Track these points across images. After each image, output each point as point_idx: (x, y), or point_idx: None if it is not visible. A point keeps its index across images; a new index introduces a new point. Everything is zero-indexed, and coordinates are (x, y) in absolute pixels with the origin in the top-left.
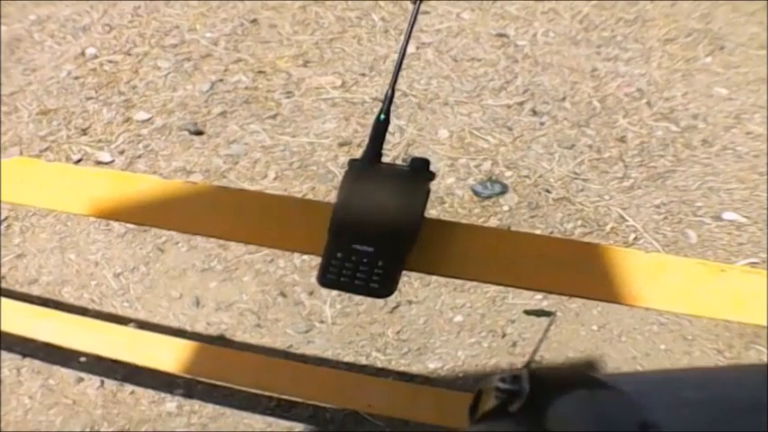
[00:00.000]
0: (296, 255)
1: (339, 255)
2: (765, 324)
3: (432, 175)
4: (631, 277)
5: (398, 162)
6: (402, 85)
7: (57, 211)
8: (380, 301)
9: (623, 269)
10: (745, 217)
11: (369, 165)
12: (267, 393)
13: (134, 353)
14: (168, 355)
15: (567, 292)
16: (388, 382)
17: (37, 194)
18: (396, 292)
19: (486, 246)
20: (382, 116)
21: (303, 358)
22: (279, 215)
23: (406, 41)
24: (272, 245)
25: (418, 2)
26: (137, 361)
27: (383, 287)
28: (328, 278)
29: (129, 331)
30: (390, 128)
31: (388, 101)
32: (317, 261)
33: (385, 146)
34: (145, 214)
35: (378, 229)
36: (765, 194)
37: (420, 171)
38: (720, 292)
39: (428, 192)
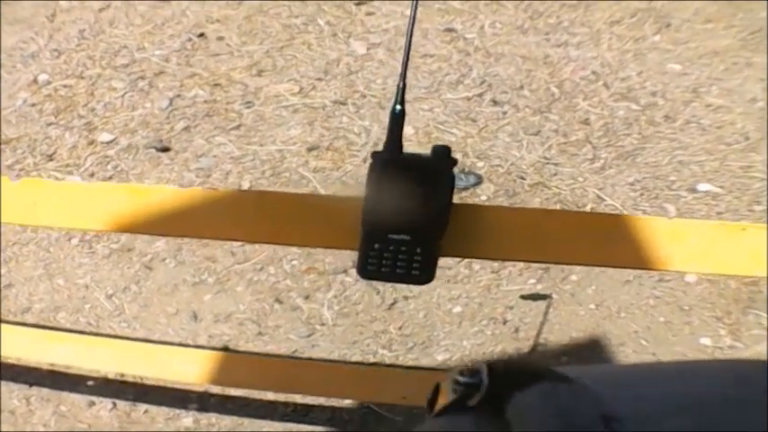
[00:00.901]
0: (285, 261)
1: (376, 246)
2: None
3: (455, 161)
4: (657, 243)
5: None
6: (359, 86)
7: (76, 229)
8: (377, 299)
9: (648, 236)
10: (719, 187)
11: (392, 155)
12: (285, 398)
13: (149, 367)
14: (183, 366)
15: (600, 263)
16: (420, 372)
17: (51, 215)
18: (392, 289)
19: (516, 225)
20: (398, 107)
21: (310, 362)
22: (307, 214)
23: (411, 30)
24: (304, 244)
25: None
26: (152, 375)
27: (424, 273)
28: (369, 270)
29: (139, 346)
30: (355, 129)
31: (401, 91)
32: (307, 265)
33: (352, 147)
34: (168, 224)
35: (411, 217)
36: (735, 164)
37: (442, 157)
38: (743, 251)
39: (453, 176)
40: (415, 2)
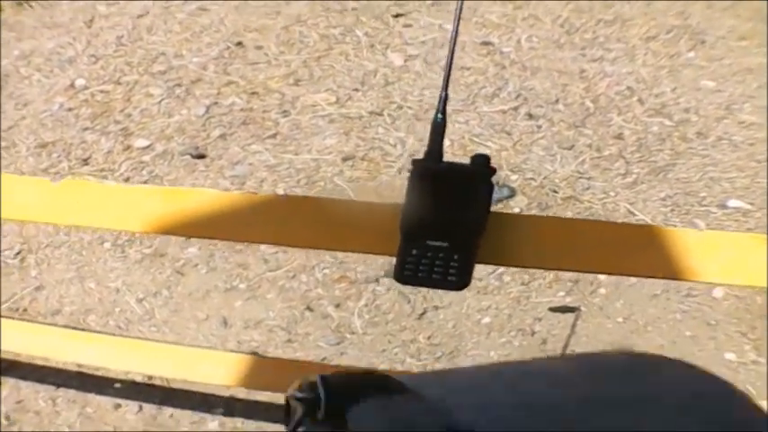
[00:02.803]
0: (317, 269)
1: (414, 252)
2: None
3: (493, 170)
4: (689, 254)
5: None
6: (396, 97)
7: (114, 230)
8: (407, 308)
9: (680, 247)
10: (749, 204)
11: (432, 163)
12: None
13: (177, 369)
14: (211, 369)
15: (632, 272)
16: None
17: (92, 215)
18: (422, 299)
19: (551, 234)
20: (440, 116)
21: (337, 367)
22: (346, 219)
23: (454, 39)
24: (343, 248)
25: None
26: (181, 376)
27: (461, 279)
28: (406, 275)
29: (167, 348)
30: (391, 140)
31: (443, 101)
32: (339, 274)
33: (387, 158)
34: (204, 227)
35: (449, 224)
36: (765, 181)
37: (481, 166)
38: None
39: (491, 185)
40: (458, 10)
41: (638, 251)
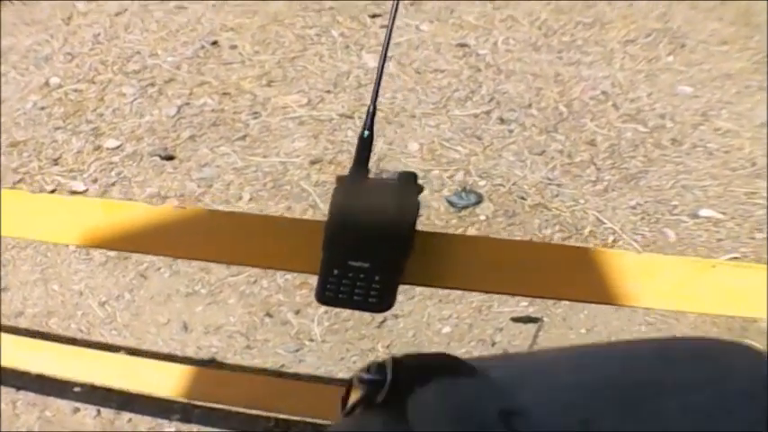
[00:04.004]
0: (279, 275)
1: (336, 272)
2: (764, 316)
3: (420, 188)
4: (625, 278)
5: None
6: (367, 99)
7: (52, 242)
8: (367, 317)
9: (617, 271)
10: (721, 213)
11: (357, 180)
12: (267, 413)
13: (131, 380)
14: (165, 381)
15: (565, 296)
16: None
17: (31, 227)
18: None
19: (480, 255)
20: (366, 132)
21: (296, 377)
22: (271, 235)
23: (384, 55)
24: (267, 265)
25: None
26: (135, 388)
27: (382, 301)
28: (327, 296)
29: (124, 359)
30: None
31: (371, 116)
32: (300, 280)
33: (342, 174)
34: (139, 241)
35: (372, 244)
36: (740, 190)
37: (409, 184)
38: (713, 288)
39: (418, 204)
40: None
41: (574, 274)
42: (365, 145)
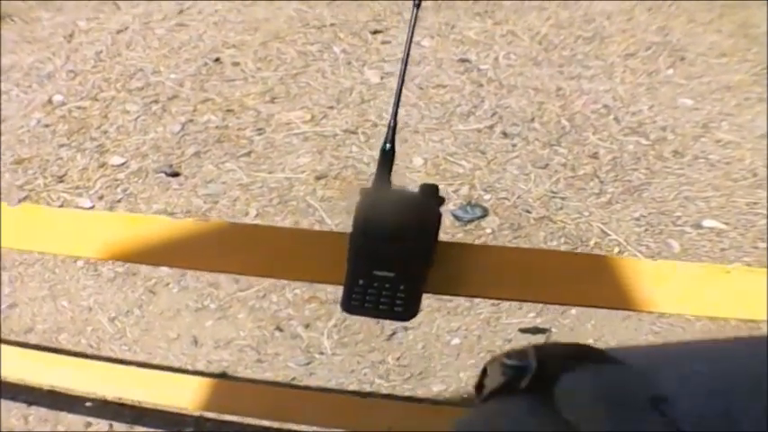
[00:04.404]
0: (288, 289)
1: (361, 282)
2: None
3: (442, 200)
4: (641, 284)
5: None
6: (371, 115)
7: (70, 256)
8: (377, 330)
9: (631, 277)
10: (724, 223)
11: (380, 192)
12: (280, 426)
13: (143, 391)
14: (178, 392)
15: (581, 302)
16: (405, 404)
17: (48, 241)
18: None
19: (498, 263)
20: (388, 145)
21: (307, 390)
22: (294, 247)
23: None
24: (291, 277)
25: (416, 8)
26: (147, 399)
27: (407, 310)
28: (353, 305)
29: (136, 371)
30: (365, 158)
31: (392, 130)
32: (309, 294)
33: (360, 177)
34: (159, 254)
35: (396, 254)
36: (741, 200)
37: (430, 195)
38: (726, 293)
39: (440, 215)
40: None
41: (589, 281)
42: (387, 158)
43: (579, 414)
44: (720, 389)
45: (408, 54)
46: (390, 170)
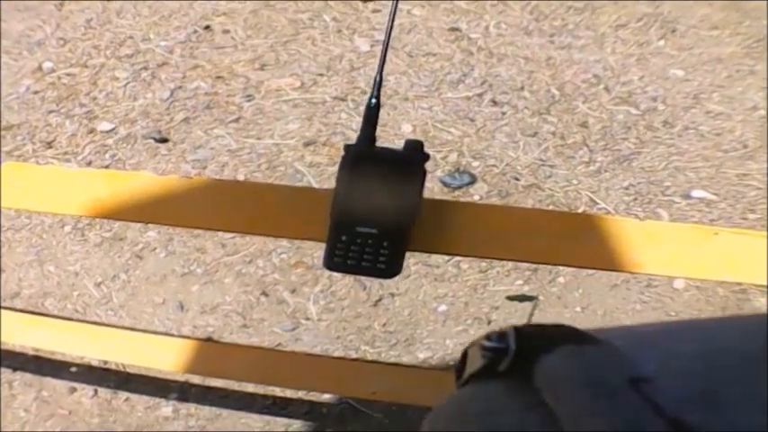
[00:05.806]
0: (275, 254)
1: (344, 238)
2: (764, 283)
3: (426, 156)
4: (629, 245)
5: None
6: (360, 83)
7: (56, 214)
8: (363, 295)
9: (620, 237)
10: (713, 194)
11: (365, 149)
12: (264, 391)
13: (129, 354)
14: (163, 355)
15: (568, 262)
16: (390, 367)
17: (34, 198)
18: (378, 286)
19: (486, 222)
20: (373, 100)
21: (293, 354)
22: (277, 204)
23: (390, 26)
24: (274, 234)
25: None
26: (132, 362)
27: (390, 267)
28: (335, 261)
29: (121, 333)
30: (353, 125)
31: (378, 85)
32: (296, 259)
33: (349, 143)
34: (144, 211)
35: (380, 211)
36: (731, 171)
37: (415, 152)
38: (715, 255)
39: (425, 171)
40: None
41: (579, 241)
42: (372, 113)
43: (558, 395)
44: (704, 370)
45: (396, 6)
46: (375, 126)
